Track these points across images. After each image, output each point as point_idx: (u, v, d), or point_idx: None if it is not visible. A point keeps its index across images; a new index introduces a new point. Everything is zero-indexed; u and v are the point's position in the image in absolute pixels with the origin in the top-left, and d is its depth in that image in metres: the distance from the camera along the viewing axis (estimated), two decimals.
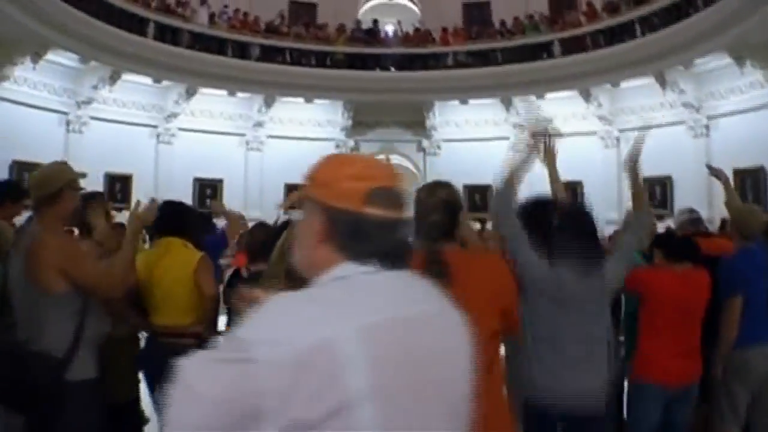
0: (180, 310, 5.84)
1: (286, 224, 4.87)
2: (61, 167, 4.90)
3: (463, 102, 29.83)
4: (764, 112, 23.26)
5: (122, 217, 6.62)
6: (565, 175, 22.14)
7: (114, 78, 26.12)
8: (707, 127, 25.21)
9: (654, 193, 24.58)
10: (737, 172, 22.38)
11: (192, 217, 6.75)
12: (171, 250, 6.05)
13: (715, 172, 7.85)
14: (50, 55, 24.07)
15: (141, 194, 24.26)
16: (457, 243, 3.83)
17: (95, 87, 26.09)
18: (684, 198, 22.80)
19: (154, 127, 28.30)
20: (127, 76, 26.41)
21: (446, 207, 3.70)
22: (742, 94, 24.04)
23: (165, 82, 27.58)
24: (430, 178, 28.62)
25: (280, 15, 31.37)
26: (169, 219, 6.13)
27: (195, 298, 5.87)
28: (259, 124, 30.11)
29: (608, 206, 23.55)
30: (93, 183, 24.19)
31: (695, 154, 24.45)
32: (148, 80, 27.11)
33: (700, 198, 21.55)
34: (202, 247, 6.27)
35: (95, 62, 25.26)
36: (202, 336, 5.60)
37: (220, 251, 8.31)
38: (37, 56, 23.54)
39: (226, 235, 8.79)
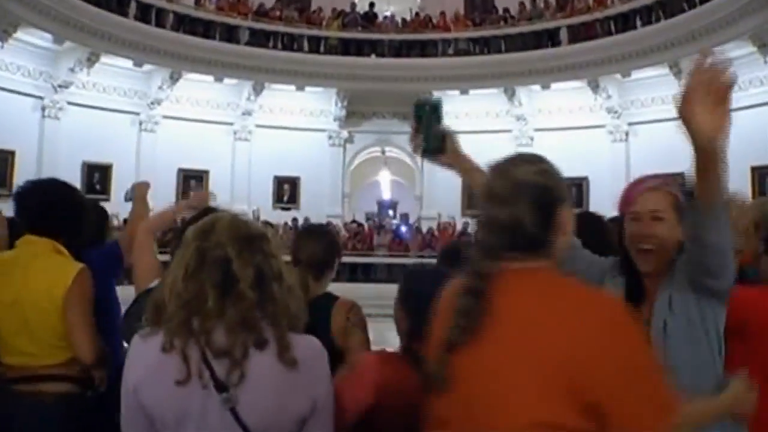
0: (44, 344, 3.76)
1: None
2: None
3: (464, 92, 28.94)
4: None
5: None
6: (570, 170, 21.27)
7: (92, 60, 25.02)
8: None
9: None
10: (755, 169, 22.39)
11: (77, 208, 4.16)
12: (33, 257, 3.85)
13: None
14: (21, 34, 23.01)
15: (121, 185, 23.39)
16: (550, 261, 2.30)
17: (72, 70, 24.95)
18: None
19: (136, 114, 27.30)
20: (106, 59, 25.32)
21: (525, 196, 2.28)
22: (763, 85, 23.17)
23: (147, 66, 26.53)
24: (427, 173, 27.97)
25: None
26: (38, 207, 3.98)
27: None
28: (247, 113, 29.16)
29: (616, 204, 22.43)
30: (70, 172, 23.28)
31: None
32: (129, 64, 26.05)
33: None
34: (82, 259, 4.01)
35: (71, 43, 24.14)
36: (82, 378, 3.81)
37: (112, 271, 4.77)
38: (5, 34, 22.45)
39: (119, 248, 4.85)
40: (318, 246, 4.19)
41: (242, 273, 2.29)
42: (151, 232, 4.15)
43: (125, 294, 4.02)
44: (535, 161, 2.46)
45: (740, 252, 4.15)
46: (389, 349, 3.10)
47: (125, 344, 3.55)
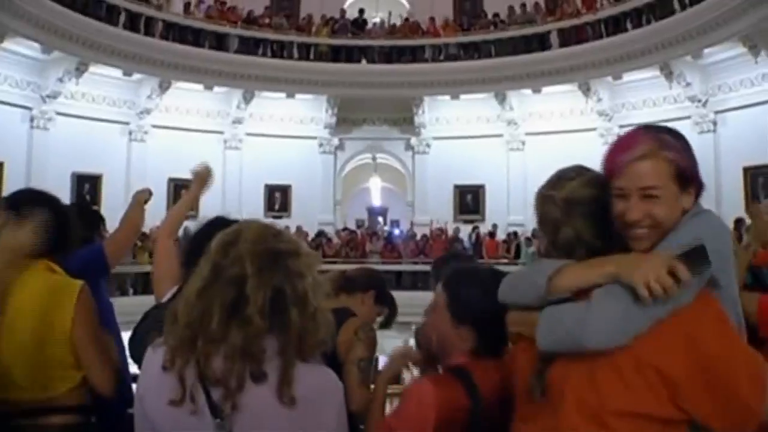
0: (45, 374, 3.37)
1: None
2: None
3: (454, 97, 28.86)
4: None
5: None
6: None
7: (81, 70, 24.81)
8: (714, 122, 24.44)
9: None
10: (747, 170, 22.31)
11: (64, 223, 3.70)
12: (26, 280, 3.41)
13: None
14: (9, 44, 22.78)
15: (112, 195, 23.25)
16: None
17: (61, 80, 24.75)
18: None
19: (126, 123, 27.11)
20: (95, 69, 25.14)
21: (575, 212, 2.42)
22: (753, 86, 23.28)
23: (137, 76, 26.37)
24: (418, 178, 28.05)
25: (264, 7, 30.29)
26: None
27: (69, 355, 3.41)
28: (237, 121, 29.08)
29: None
30: (59, 183, 23.13)
31: (702, 151, 23.10)
32: (118, 73, 25.84)
33: (708, 197, 20.27)
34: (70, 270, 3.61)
35: (59, 53, 23.93)
36: (85, 407, 3.47)
37: (93, 277, 4.05)
38: None
39: (103, 255, 4.72)
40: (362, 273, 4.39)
41: (255, 295, 2.15)
42: (171, 236, 4.14)
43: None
44: (575, 176, 2.51)
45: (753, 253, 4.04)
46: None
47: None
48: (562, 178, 2.51)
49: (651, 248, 2.31)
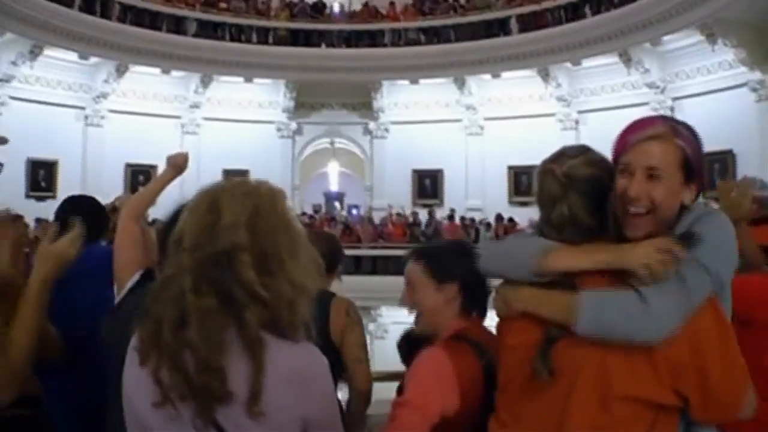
0: None
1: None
2: None
3: (413, 82, 28.92)
4: (733, 93, 22.94)
5: (48, 209, 4.67)
6: (520, 159, 21.43)
7: (35, 53, 24.50)
8: (672, 108, 24.60)
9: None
10: (704, 155, 21.88)
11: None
12: None
13: None
14: None
15: (68, 182, 22.96)
16: None
17: (14, 63, 24.40)
18: None
19: (82, 108, 26.78)
20: (50, 52, 24.79)
21: (573, 189, 2.42)
22: (710, 74, 23.71)
23: (93, 59, 26.04)
24: (377, 162, 28.06)
25: None
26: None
27: None
28: (195, 106, 28.87)
29: None
30: (14, 170, 22.83)
31: None
32: (74, 56, 25.55)
33: None
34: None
35: (12, 35, 23.56)
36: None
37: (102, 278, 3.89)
38: None
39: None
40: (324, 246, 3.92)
41: (195, 310, 1.97)
42: (136, 220, 3.70)
43: None
44: (578, 154, 2.50)
45: None
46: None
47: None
48: (564, 154, 2.51)
49: (644, 239, 2.29)
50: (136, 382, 2.08)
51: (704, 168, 2.46)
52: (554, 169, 2.44)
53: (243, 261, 2.00)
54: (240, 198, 2.11)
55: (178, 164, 4.06)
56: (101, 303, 3.50)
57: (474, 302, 2.92)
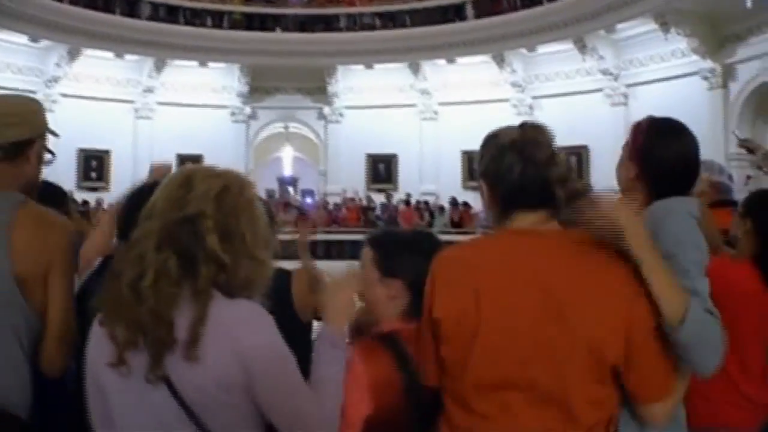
0: None
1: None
2: (37, 107, 3.30)
3: (368, 66, 28.91)
4: (685, 80, 23.14)
5: None
6: (475, 144, 21.60)
7: None
8: (625, 95, 25.04)
9: (569, 163, 24.35)
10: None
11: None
12: None
13: (750, 145, 6.14)
14: None
15: None
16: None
17: None
18: (600, 169, 22.22)
19: (33, 92, 25.60)
20: None
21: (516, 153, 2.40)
22: (663, 62, 23.98)
23: (44, 43, 25.71)
24: (331, 147, 28.15)
25: None
26: None
27: None
28: (148, 90, 28.67)
29: None
30: None
31: (613, 123, 23.99)
32: (24, 39, 25.18)
33: None
34: None
35: None
36: None
37: None
38: None
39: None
40: None
41: (153, 266, 2.10)
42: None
43: None
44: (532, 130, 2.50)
45: None
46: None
47: None
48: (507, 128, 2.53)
49: None
50: (95, 344, 2.20)
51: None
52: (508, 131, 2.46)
53: (207, 227, 2.14)
54: (212, 176, 2.26)
55: (160, 175, 4.07)
56: None
57: (420, 307, 2.53)
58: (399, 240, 2.93)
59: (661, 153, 2.95)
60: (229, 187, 2.24)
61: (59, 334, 2.93)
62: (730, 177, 5.74)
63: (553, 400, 2.16)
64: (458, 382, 2.28)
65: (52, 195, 4.29)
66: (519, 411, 2.18)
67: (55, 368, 2.97)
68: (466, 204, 24.88)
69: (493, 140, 2.44)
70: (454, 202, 25.33)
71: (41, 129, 3.22)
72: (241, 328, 2.12)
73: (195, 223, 2.14)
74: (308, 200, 30.36)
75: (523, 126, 2.44)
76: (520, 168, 2.31)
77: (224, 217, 2.17)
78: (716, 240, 3.96)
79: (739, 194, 5.18)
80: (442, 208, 25.37)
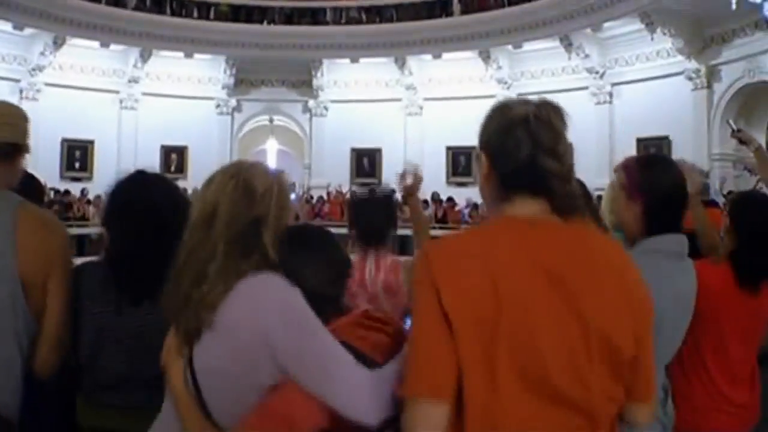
0: None
1: None
2: (24, 113, 3.39)
3: (354, 60, 28.93)
4: (670, 80, 23.27)
5: None
6: (460, 140, 21.34)
7: None
8: (610, 94, 25.20)
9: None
10: (640, 141, 22.89)
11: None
12: None
13: (743, 137, 6.07)
14: None
15: None
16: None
17: None
18: (587, 167, 22.06)
19: (17, 81, 26.21)
20: None
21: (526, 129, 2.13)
22: (649, 61, 24.15)
23: (29, 30, 25.50)
24: (316, 141, 28.25)
25: None
26: None
27: None
28: (134, 80, 28.54)
29: None
30: None
31: (597, 122, 24.42)
32: (8, 27, 24.95)
33: (602, 166, 20.90)
34: None
35: None
36: None
37: None
38: None
39: None
40: None
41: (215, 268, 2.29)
42: None
43: None
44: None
45: None
46: None
47: None
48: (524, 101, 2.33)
49: None
50: None
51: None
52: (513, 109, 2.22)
53: (268, 225, 2.35)
54: (267, 176, 2.46)
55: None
56: None
57: (319, 310, 2.34)
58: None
59: (660, 183, 3.07)
60: (282, 187, 2.45)
61: (56, 336, 2.98)
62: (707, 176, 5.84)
63: (573, 400, 1.98)
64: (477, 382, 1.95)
65: (33, 189, 4.29)
66: (540, 410, 1.97)
67: (47, 370, 3.01)
68: (450, 199, 24.92)
69: (503, 110, 2.18)
70: (436, 197, 25.35)
71: (27, 135, 3.27)
72: (259, 289, 2.23)
73: (260, 222, 2.33)
74: (292, 195, 30.33)
75: (541, 104, 2.15)
76: (529, 148, 2.07)
77: (277, 213, 2.38)
78: (714, 239, 4.05)
79: (716, 196, 5.28)
80: (426, 202, 25.40)
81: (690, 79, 22.59)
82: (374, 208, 4.16)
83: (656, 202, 3.05)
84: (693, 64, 22.50)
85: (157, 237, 2.90)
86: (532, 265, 1.97)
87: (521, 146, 2.07)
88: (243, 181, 2.38)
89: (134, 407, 2.85)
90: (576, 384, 1.96)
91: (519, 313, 1.93)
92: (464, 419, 1.91)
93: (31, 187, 4.20)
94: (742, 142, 5.95)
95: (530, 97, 2.26)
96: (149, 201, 3.06)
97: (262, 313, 2.18)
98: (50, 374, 3.03)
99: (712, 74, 22.38)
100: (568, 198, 2.10)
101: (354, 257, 3.84)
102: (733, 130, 5.99)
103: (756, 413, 3.86)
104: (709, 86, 22.41)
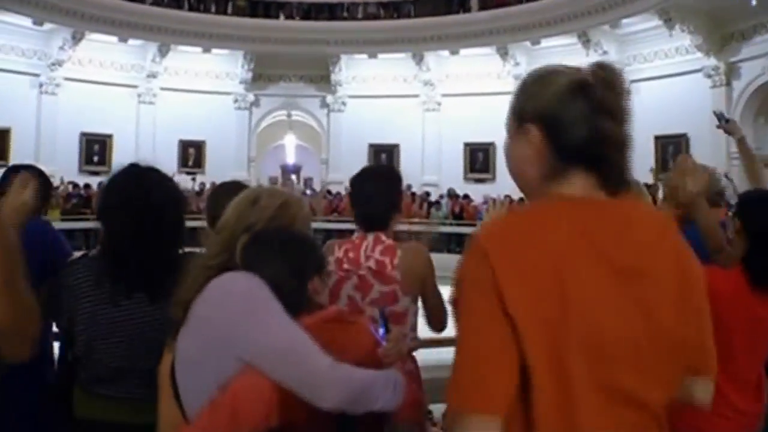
0: None
1: None
2: None
3: (372, 56, 28.93)
4: (688, 78, 23.22)
5: None
6: (478, 136, 21.29)
7: None
8: (629, 91, 24.42)
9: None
10: (658, 138, 22.87)
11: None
12: None
13: (728, 127, 5.93)
14: None
15: (20, 151, 22.68)
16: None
17: None
18: None
19: (36, 75, 26.33)
20: (2, 16, 24.31)
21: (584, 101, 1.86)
22: (667, 58, 24.05)
23: (48, 26, 25.59)
24: (333, 136, 28.21)
25: None
26: None
27: None
28: (152, 75, 28.62)
29: None
30: None
31: None
32: (27, 22, 25.04)
33: None
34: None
35: None
36: None
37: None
38: None
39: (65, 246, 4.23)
40: None
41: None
42: None
43: None
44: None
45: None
46: None
47: None
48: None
49: None
50: None
51: None
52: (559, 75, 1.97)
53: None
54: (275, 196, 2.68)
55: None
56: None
57: (288, 305, 2.34)
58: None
59: None
60: (288, 202, 2.67)
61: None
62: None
63: (642, 399, 1.81)
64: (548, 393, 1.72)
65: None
66: (612, 411, 1.77)
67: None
68: (466, 196, 24.88)
69: (558, 76, 1.92)
70: (452, 193, 25.33)
71: None
72: (226, 283, 2.34)
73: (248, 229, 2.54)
74: (308, 192, 30.33)
75: (600, 66, 1.90)
76: (594, 116, 1.84)
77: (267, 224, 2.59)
78: (720, 240, 3.97)
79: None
80: (437, 202, 25.34)
81: (709, 76, 22.48)
82: (374, 189, 3.94)
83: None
84: (712, 62, 22.39)
85: (152, 230, 2.96)
86: (596, 255, 1.77)
87: (586, 113, 1.85)
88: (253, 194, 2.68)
89: (130, 399, 2.89)
90: (644, 383, 1.81)
91: (587, 311, 1.74)
92: (534, 427, 1.71)
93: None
94: (727, 132, 5.91)
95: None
96: (143, 195, 3.04)
97: (227, 304, 2.27)
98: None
99: (732, 71, 22.26)
100: (620, 171, 1.89)
101: (354, 237, 3.86)
102: (720, 120, 5.90)
103: (757, 422, 3.79)
104: (729, 84, 22.30)
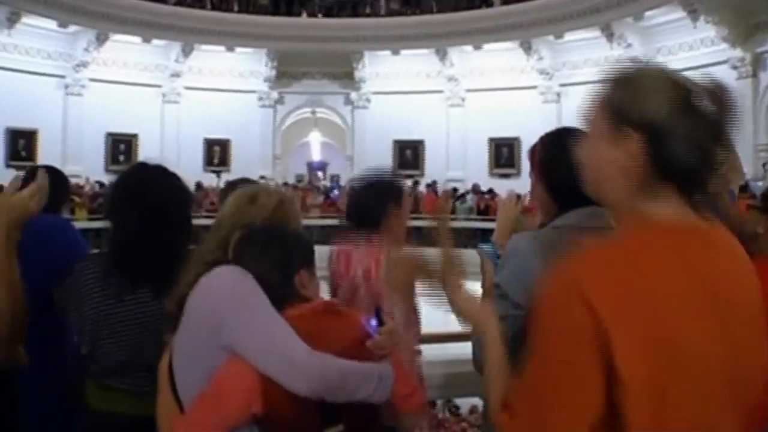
0: None
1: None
2: None
3: (395, 52, 28.92)
4: (714, 69, 22.38)
5: None
6: (501, 131, 21.31)
7: (13, 21, 24.14)
8: None
9: None
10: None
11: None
12: None
13: None
14: None
15: (47, 151, 22.87)
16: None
17: None
18: None
19: (62, 77, 26.49)
20: (28, 20, 24.44)
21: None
22: (692, 50, 23.65)
23: (72, 27, 25.77)
24: (357, 133, 28.16)
25: None
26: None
27: None
28: (176, 75, 28.75)
29: None
30: None
31: None
32: (53, 24, 25.21)
33: None
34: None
35: None
36: None
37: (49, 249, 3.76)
38: None
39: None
40: None
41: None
42: None
43: None
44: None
45: None
46: None
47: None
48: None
49: None
50: None
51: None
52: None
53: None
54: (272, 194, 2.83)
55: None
56: (50, 274, 3.38)
57: (274, 297, 2.43)
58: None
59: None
60: (284, 202, 2.82)
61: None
62: None
63: None
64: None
65: (55, 183, 4.27)
66: None
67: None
68: (491, 191, 24.76)
69: (667, 80, 1.72)
70: (476, 189, 25.25)
71: None
72: (214, 277, 2.44)
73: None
74: (335, 191, 30.37)
75: (714, 83, 1.72)
76: (707, 139, 1.67)
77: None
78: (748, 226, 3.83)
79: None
80: (462, 196, 25.21)
81: (735, 68, 22.17)
82: (367, 197, 4.01)
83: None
84: (738, 53, 22.14)
85: (155, 227, 3.05)
86: (702, 300, 1.60)
87: (699, 133, 1.67)
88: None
89: (137, 391, 2.92)
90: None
91: (693, 365, 1.56)
92: None
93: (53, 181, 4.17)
94: None
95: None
96: (146, 192, 3.12)
97: (213, 296, 2.39)
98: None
99: (758, 63, 22.03)
100: (709, 196, 1.75)
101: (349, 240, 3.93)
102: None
103: None
104: (755, 75, 22.07)
